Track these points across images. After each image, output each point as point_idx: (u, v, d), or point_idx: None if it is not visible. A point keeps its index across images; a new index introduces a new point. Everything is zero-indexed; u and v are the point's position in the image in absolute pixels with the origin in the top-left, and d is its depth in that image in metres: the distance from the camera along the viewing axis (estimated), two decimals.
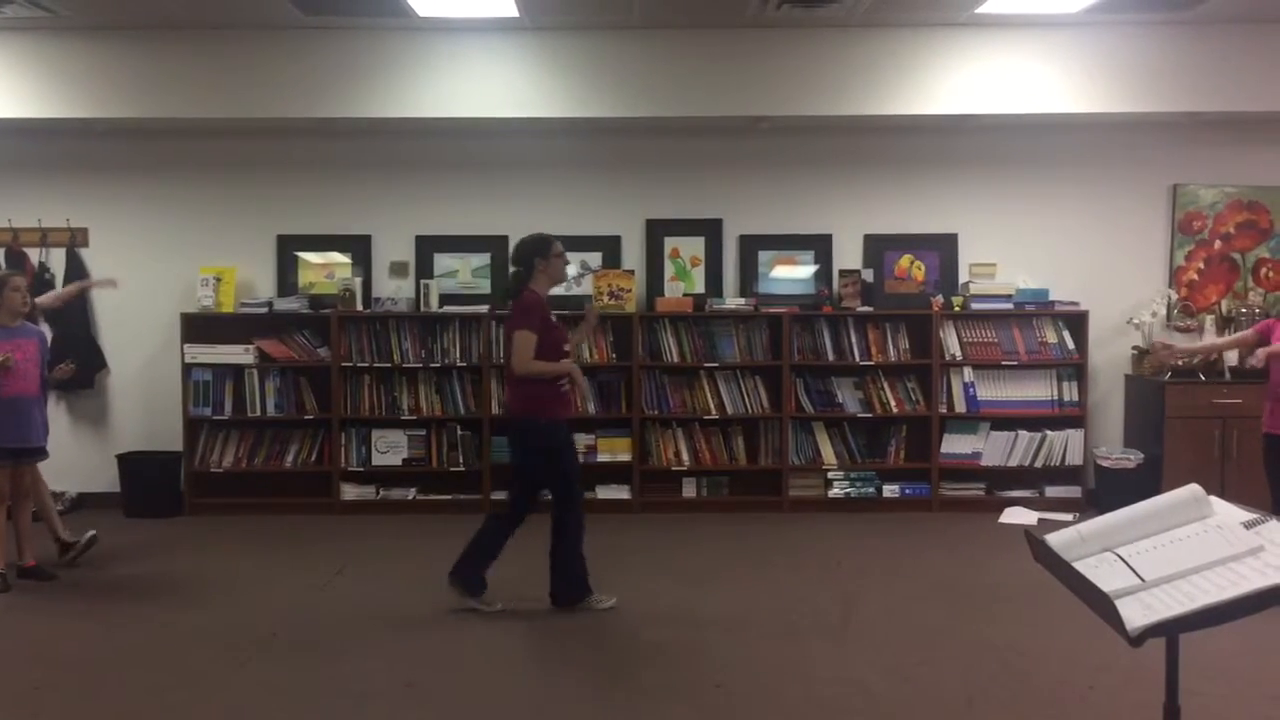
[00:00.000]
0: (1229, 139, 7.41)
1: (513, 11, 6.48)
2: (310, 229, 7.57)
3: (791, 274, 7.58)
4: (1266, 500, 5.16)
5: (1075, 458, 7.27)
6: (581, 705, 3.98)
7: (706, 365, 7.33)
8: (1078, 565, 2.37)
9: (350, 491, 7.32)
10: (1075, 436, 7.27)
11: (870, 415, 7.34)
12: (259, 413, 7.34)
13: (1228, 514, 2.41)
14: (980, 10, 6.53)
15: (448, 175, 7.58)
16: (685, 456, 7.37)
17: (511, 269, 5.28)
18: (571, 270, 7.53)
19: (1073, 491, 7.28)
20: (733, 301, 7.38)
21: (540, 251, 5.14)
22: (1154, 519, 2.46)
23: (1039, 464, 7.29)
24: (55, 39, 6.79)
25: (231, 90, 6.87)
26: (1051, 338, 7.32)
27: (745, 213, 7.57)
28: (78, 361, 7.15)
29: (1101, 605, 2.18)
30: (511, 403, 5.22)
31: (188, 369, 7.26)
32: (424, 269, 7.56)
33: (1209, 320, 7.37)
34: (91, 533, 6.08)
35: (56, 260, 7.50)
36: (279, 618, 5.03)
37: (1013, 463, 7.31)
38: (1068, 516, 6.88)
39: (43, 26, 6.71)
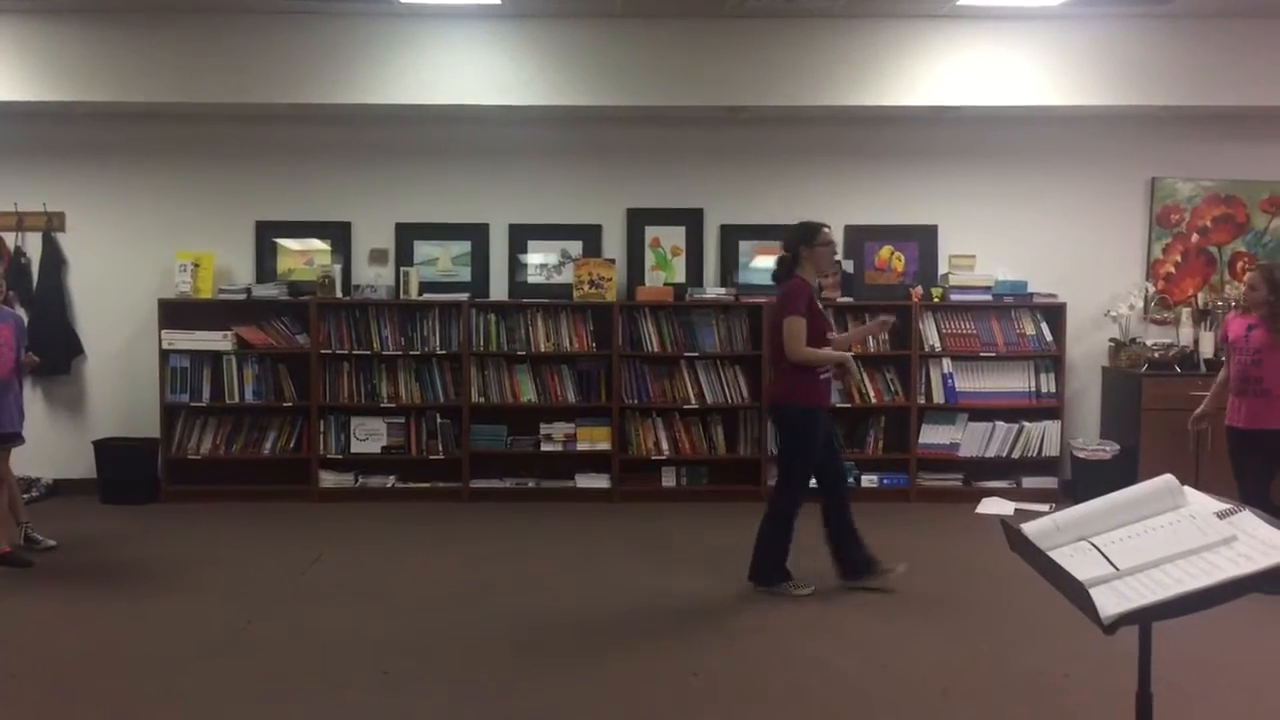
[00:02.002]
0: (1207, 133, 7.46)
1: None
2: (289, 215, 7.53)
3: (772, 264, 7.55)
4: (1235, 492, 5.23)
5: (1052, 449, 7.31)
6: (558, 692, 3.98)
7: (686, 355, 7.34)
8: (1053, 554, 2.38)
9: (329, 479, 7.29)
10: (1052, 428, 7.31)
11: (849, 406, 7.36)
12: (237, 400, 7.30)
13: (1201, 504, 2.43)
14: (961, 2, 6.55)
15: (428, 162, 7.55)
16: (665, 446, 7.37)
17: (779, 255, 5.28)
18: (551, 260, 7.55)
19: (1049, 482, 7.33)
20: (713, 291, 7.39)
21: (806, 239, 5.13)
22: (1129, 509, 2.47)
23: (1016, 455, 7.33)
24: (34, 21, 6.72)
25: (212, 75, 6.81)
26: (1030, 330, 7.36)
27: (726, 203, 7.58)
28: (54, 347, 7.15)
29: (1076, 594, 2.19)
30: (774, 388, 5.24)
31: (165, 355, 7.22)
32: (404, 256, 7.53)
33: (1185, 313, 7.42)
34: (52, 543, 5.99)
35: (33, 244, 7.43)
36: (255, 605, 5.01)
37: (990, 453, 7.35)
38: (1044, 507, 6.91)
39: (22, 9, 6.64)
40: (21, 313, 6.83)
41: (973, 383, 7.38)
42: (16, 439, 5.78)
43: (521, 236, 7.56)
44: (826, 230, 5.21)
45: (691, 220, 7.58)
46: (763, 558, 5.17)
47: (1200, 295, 7.51)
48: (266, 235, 7.54)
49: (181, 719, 3.78)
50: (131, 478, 7.22)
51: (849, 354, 5.22)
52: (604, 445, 7.31)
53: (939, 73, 6.89)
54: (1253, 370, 5.28)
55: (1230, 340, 5.49)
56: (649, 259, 7.59)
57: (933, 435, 7.38)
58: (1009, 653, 4.39)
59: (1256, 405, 5.27)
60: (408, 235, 7.56)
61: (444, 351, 7.31)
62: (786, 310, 5.03)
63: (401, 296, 7.33)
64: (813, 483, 5.20)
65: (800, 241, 5.14)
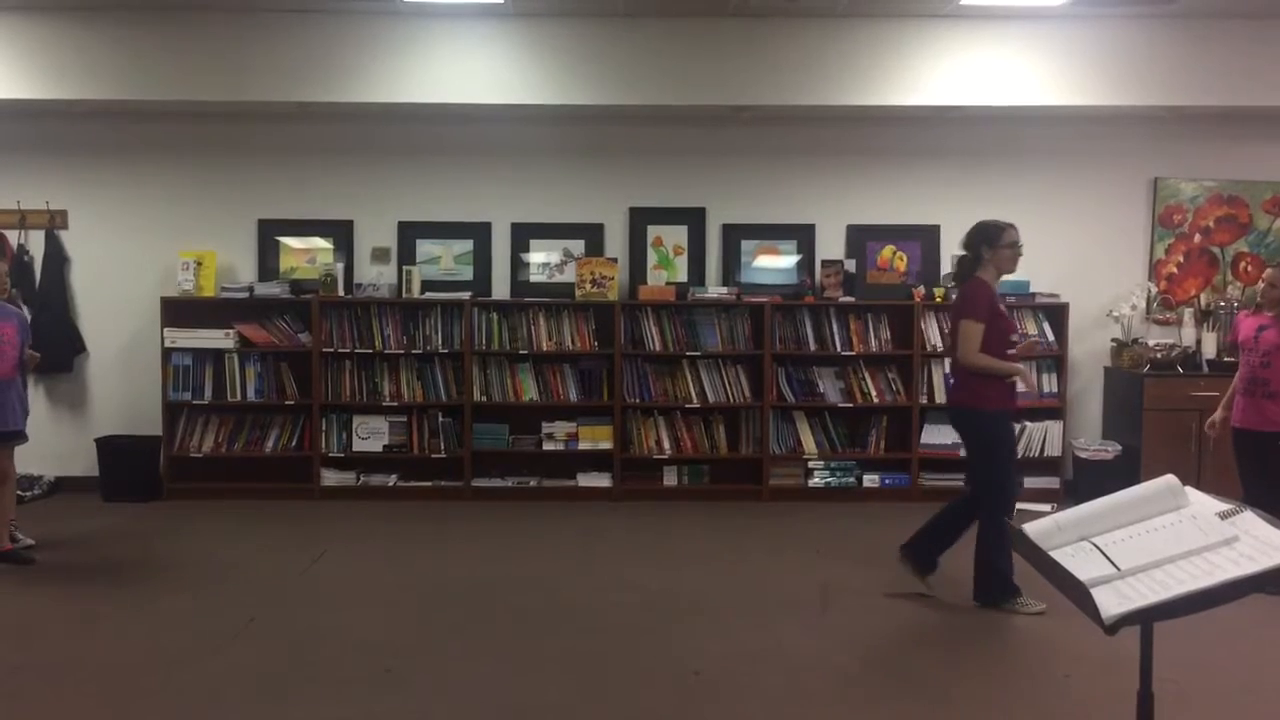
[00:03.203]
0: (1210, 133, 7.45)
1: None
2: (292, 214, 7.53)
3: (774, 264, 7.59)
4: (1240, 492, 5.22)
5: (1054, 449, 7.31)
6: (559, 691, 3.98)
7: (688, 354, 7.34)
8: (1055, 554, 2.38)
9: (330, 477, 7.29)
10: (1054, 428, 7.31)
11: (851, 405, 7.36)
12: (239, 397, 7.31)
13: (1203, 505, 2.43)
14: (964, 2, 6.54)
15: (431, 161, 7.55)
16: (666, 445, 7.37)
17: (960, 254, 5.16)
18: (553, 259, 7.55)
19: (1051, 482, 7.31)
20: (715, 290, 7.38)
21: (988, 240, 4.98)
22: (1130, 509, 2.47)
23: (1018, 455, 7.30)
24: (35, 19, 6.72)
25: (214, 73, 6.82)
26: (1032, 329, 7.35)
27: (728, 202, 7.58)
28: (56, 344, 7.15)
29: (1078, 594, 2.20)
30: (955, 392, 5.13)
31: (167, 353, 7.22)
32: (406, 255, 7.54)
33: (1188, 314, 7.42)
34: (31, 542, 5.94)
35: (36, 242, 7.44)
36: (257, 603, 5.01)
37: None
38: (1046, 507, 6.91)
39: (24, 6, 6.65)
40: (25, 310, 6.83)
41: None
42: (20, 436, 5.78)
43: (524, 235, 7.56)
44: (1011, 230, 5.03)
45: (694, 219, 7.58)
46: (986, 576, 4.93)
47: (1203, 296, 7.51)
48: (269, 233, 7.54)
49: (183, 716, 3.78)
50: (133, 475, 7.23)
51: (1024, 367, 5.00)
52: (606, 444, 7.30)
53: (942, 72, 6.88)
54: (1261, 372, 5.26)
55: (1240, 340, 5.46)
56: (651, 258, 7.59)
57: (935, 435, 7.36)
58: (1010, 653, 4.39)
59: (1264, 407, 5.26)
60: (410, 234, 7.56)
61: (446, 350, 7.31)
62: (964, 313, 4.89)
63: (404, 295, 7.33)
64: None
65: (982, 241, 4.99)
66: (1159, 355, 7.06)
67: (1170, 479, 2.51)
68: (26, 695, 3.93)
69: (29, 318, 6.57)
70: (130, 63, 6.80)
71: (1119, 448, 7.08)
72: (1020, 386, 4.99)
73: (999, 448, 4.94)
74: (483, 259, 7.55)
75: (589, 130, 7.49)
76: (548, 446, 7.31)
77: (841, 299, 7.33)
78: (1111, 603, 2.18)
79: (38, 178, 7.42)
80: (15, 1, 6.57)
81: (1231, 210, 7.53)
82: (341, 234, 7.54)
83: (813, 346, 7.34)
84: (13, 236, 7.43)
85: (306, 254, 7.56)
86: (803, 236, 7.58)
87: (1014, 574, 4.82)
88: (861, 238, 7.57)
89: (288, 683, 4.05)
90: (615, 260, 7.40)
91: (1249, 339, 5.36)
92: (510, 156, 7.54)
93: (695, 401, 7.34)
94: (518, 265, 7.57)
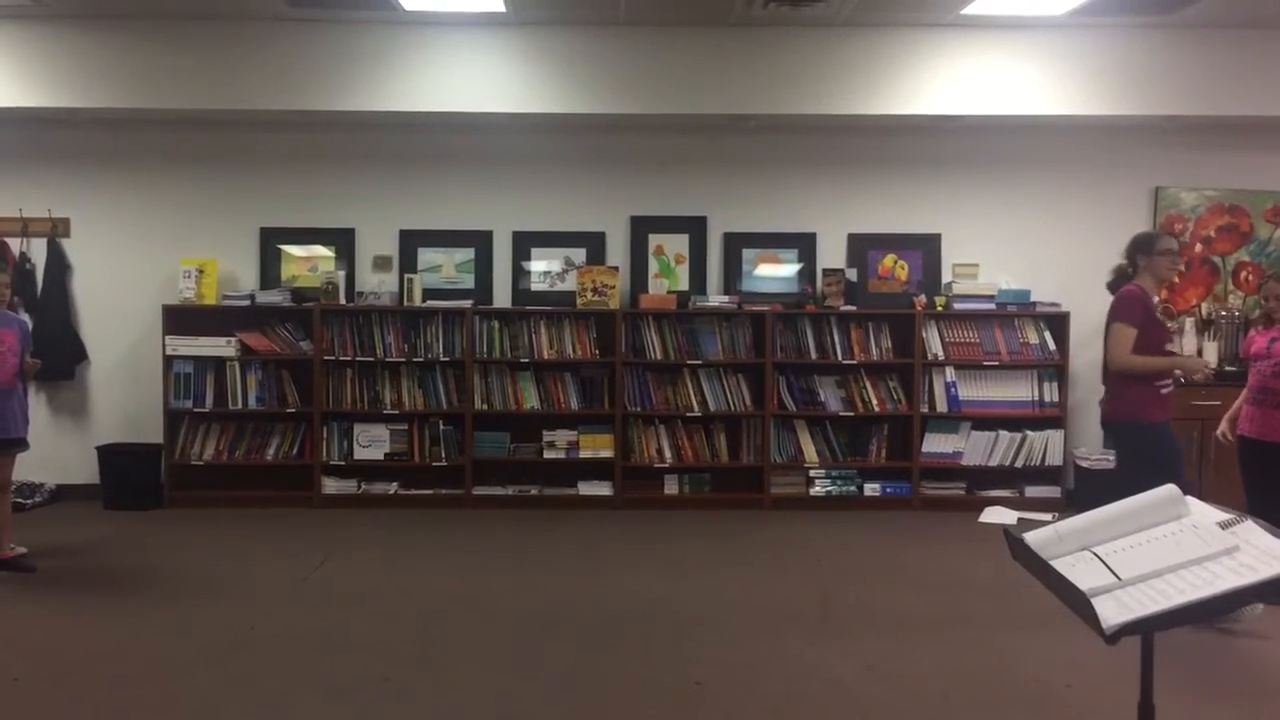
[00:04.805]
0: (1211, 143, 7.46)
1: (499, 6, 6.47)
2: (293, 222, 7.54)
3: (775, 272, 7.60)
4: (1242, 501, 5.21)
5: (1055, 458, 7.30)
6: (560, 700, 3.98)
7: (690, 362, 7.34)
8: (1055, 563, 2.38)
9: (331, 485, 7.30)
10: (1055, 437, 7.31)
11: (852, 414, 7.36)
12: (240, 405, 7.31)
13: (1204, 514, 2.43)
14: (966, 11, 6.55)
15: (432, 169, 7.56)
16: (667, 453, 7.37)
17: (1118, 264, 5.18)
18: (555, 267, 7.56)
19: (1052, 491, 7.32)
20: (716, 299, 7.39)
21: (1145, 248, 4.99)
22: (1131, 518, 2.47)
23: (1019, 464, 7.33)
24: (37, 28, 6.75)
25: (216, 82, 6.83)
26: (1033, 338, 7.36)
27: (730, 211, 7.58)
28: (58, 352, 7.16)
29: (1078, 603, 2.20)
30: (1111, 404, 5.07)
31: (169, 361, 7.23)
32: (408, 263, 7.54)
33: (1189, 323, 7.42)
34: (23, 550, 5.90)
35: (38, 250, 7.45)
36: (258, 611, 5.01)
37: (993, 462, 7.34)
38: (1047, 516, 6.91)
39: (26, 15, 6.67)
40: (26, 318, 6.84)
41: (976, 391, 7.37)
42: (21, 444, 5.78)
43: (525, 244, 7.57)
44: (1167, 238, 5.01)
45: (695, 228, 7.59)
46: None
47: (1204, 305, 7.51)
48: (271, 242, 7.56)
49: None
50: (135, 483, 7.23)
51: (1190, 357, 4.93)
52: (607, 452, 7.31)
53: (943, 82, 6.90)
54: (1273, 382, 5.23)
55: (1252, 354, 5.43)
56: (652, 266, 7.60)
57: (936, 444, 7.37)
58: (1010, 662, 4.38)
59: (1273, 418, 5.22)
60: (411, 242, 7.57)
61: (447, 358, 7.32)
62: (1117, 316, 4.89)
63: (405, 303, 7.33)
64: None
65: (1139, 250, 5.00)
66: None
67: (1171, 488, 2.51)
68: (26, 704, 3.93)
69: (30, 325, 6.58)
70: (133, 71, 6.82)
71: None
72: (1169, 389, 4.92)
73: (1167, 461, 4.80)
74: (484, 267, 7.56)
75: (590, 139, 7.50)
76: (549, 455, 7.32)
77: (843, 308, 7.33)
78: (1112, 612, 2.17)
79: (40, 186, 7.43)
80: (18, 10, 6.58)
81: (1232, 220, 7.54)
82: (343, 242, 7.56)
83: (814, 355, 7.34)
84: (15, 244, 7.43)
85: (308, 262, 7.57)
86: (804, 245, 7.59)
87: None
88: (863, 247, 7.58)
89: (288, 691, 4.05)
90: (616, 269, 7.41)
91: (1261, 350, 5.32)
92: (512, 165, 7.55)
93: (696, 410, 7.34)
94: (519, 273, 7.57)
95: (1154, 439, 4.89)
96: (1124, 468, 5.04)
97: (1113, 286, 5.16)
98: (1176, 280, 4.94)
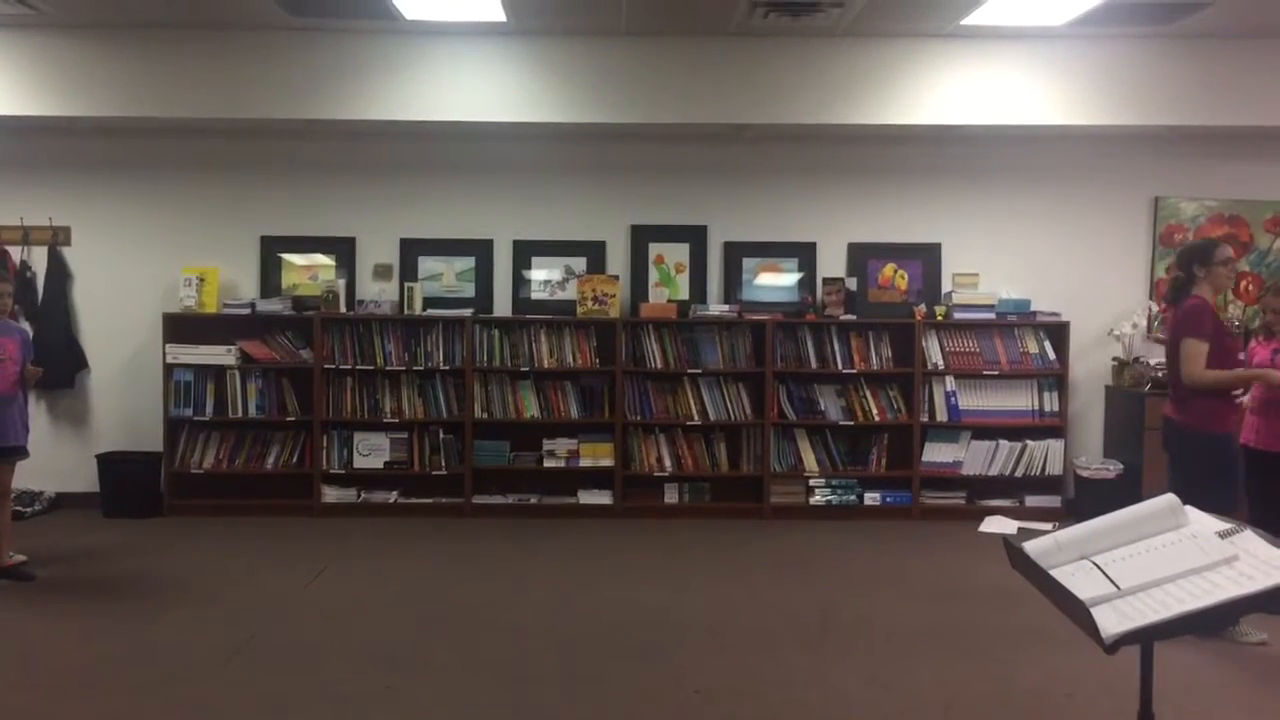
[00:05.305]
0: (1211, 153, 7.47)
1: (500, 15, 6.48)
2: (294, 230, 7.55)
3: (775, 281, 7.60)
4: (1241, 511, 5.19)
5: (1055, 467, 7.30)
6: (560, 709, 3.97)
7: (690, 371, 7.34)
8: (1055, 573, 2.38)
9: (331, 494, 7.29)
10: (1055, 446, 7.30)
11: (852, 423, 7.36)
12: (240, 414, 7.31)
13: (1203, 524, 2.44)
14: (966, 22, 6.56)
15: (433, 178, 7.57)
16: (667, 462, 7.37)
17: (1173, 275, 5.10)
18: (555, 276, 7.57)
19: (1052, 501, 7.31)
20: (716, 308, 7.39)
21: (1200, 258, 4.91)
22: (1131, 528, 2.48)
23: (1019, 473, 7.32)
24: (39, 36, 6.76)
25: (216, 90, 6.84)
26: (1033, 348, 7.36)
27: (730, 220, 7.59)
28: (58, 360, 7.17)
29: (1078, 612, 2.20)
30: (1177, 414, 5.00)
31: (169, 369, 7.23)
32: (408, 272, 7.55)
33: None
34: (23, 558, 5.92)
35: (39, 258, 7.46)
36: (258, 620, 5.01)
37: (993, 472, 7.34)
38: (1047, 526, 6.91)
39: (27, 24, 6.68)
40: (26, 326, 6.84)
41: (976, 401, 7.37)
42: (21, 452, 5.79)
43: (525, 252, 7.58)
44: (1224, 247, 4.95)
45: (695, 237, 7.60)
46: None
47: None
48: (271, 250, 7.56)
49: None
50: (134, 491, 7.22)
51: (1266, 370, 4.85)
52: (607, 461, 7.30)
53: (943, 92, 6.91)
54: (1277, 393, 5.21)
55: (1254, 365, 5.39)
56: (652, 275, 7.60)
57: (936, 453, 7.37)
58: (1011, 672, 4.37)
59: (1276, 427, 5.20)
60: (412, 251, 7.58)
61: (447, 367, 7.32)
62: (1187, 331, 4.80)
63: (405, 312, 7.34)
64: None
65: (1195, 260, 4.92)
66: (1160, 374, 7.05)
67: (1171, 498, 2.51)
68: (25, 713, 3.92)
69: (31, 333, 6.59)
70: (134, 80, 6.83)
71: (1120, 466, 7.07)
72: (1242, 398, 4.86)
73: (1220, 474, 4.79)
74: (484, 276, 7.56)
75: (591, 148, 7.52)
76: (549, 463, 7.31)
77: (843, 317, 7.34)
78: (1111, 622, 2.18)
79: (41, 194, 7.45)
80: (20, 19, 6.59)
81: (1232, 229, 7.54)
82: (343, 251, 7.56)
83: (814, 364, 7.34)
84: (16, 252, 7.44)
85: (309, 270, 7.57)
86: (804, 254, 7.59)
87: None
88: (863, 256, 7.59)
89: (288, 700, 4.05)
90: (617, 277, 7.41)
91: (1265, 362, 5.31)
92: (512, 174, 7.56)
93: (696, 419, 7.34)
94: (519, 282, 7.58)
95: (1219, 450, 4.84)
96: (1183, 474, 4.95)
97: (1170, 299, 5.10)
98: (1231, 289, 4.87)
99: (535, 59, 6.89)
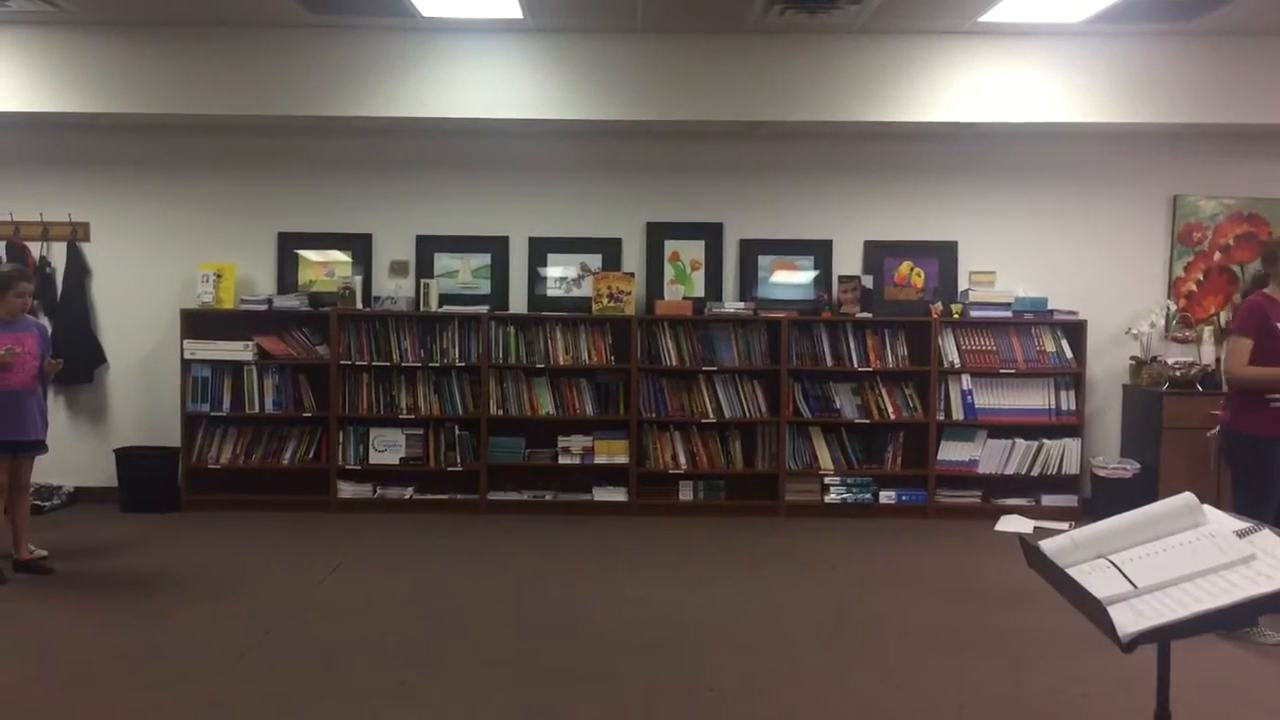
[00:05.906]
0: (1230, 150, 7.43)
1: (516, 13, 6.49)
2: (311, 227, 7.58)
3: (791, 279, 7.59)
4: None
5: (1072, 466, 7.28)
6: (574, 707, 3.98)
7: (705, 369, 7.34)
8: (1071, 571, 2.37)
9: (347, 490, 7.32)
10: (1072, 445, 7.28)
11: (868, 421, 7.35)
12: (257, 410, 7.33)
13: (1221, 522, 2.42)
14: (983, 19, 6.54)
15: (449, 175, 7.59)
16: (682, 460, 7.37)
17: (1254, 273, 5.11)
18: (571, 273, 7.57)
19: (1069, 500, 7.29)
20: (732, 306, 7.39)
21: (1271, 256, 4.86)
22: (1148, 526, 2.46)
23: (1035, 472, 7.30)
24: (59, 33, 6.80)
25: (234, 87, 6.87)
26: (1050, 346, 7.33)
27: (746, 217, 7.58)
28: (77, 355, 7.21)
29: (1094, 611, 2.19)
30: (1222, 410, 5.04)
31: (187, 365, 7.26)
32: (424, 268, 7.57)
33: (1207, 331, 7.40)
34: (43, 552, 5.92)
35: (58, 254, 7.50)
36: (273, 615, 5.03)
37: (1009, 471, 7.32)
38: (1063, 525, 6.87)
39: (48, 21, 6.72)
40: (45, 322, 6.88)
41: (992, 399, 7.35)
42: (40, 447, 5.82)
43: (541, 250, 7.59)
44: None
45: (711, 234, 7.59)
46: None
47: (1222, 314, 7.46)
48: (288, 246, 7.59)
49: None
50: (152, 487, 7.26)
51: None
52: (622, 459, 7.31)
53: (960, 89, 6.88)
54: None
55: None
56: (668, 273, 7.60)
57: (952, 452, 7.35)
58: (1026, 671, 4.36)
59: None
60: (428, 247, 7.59)
61: (463, 363, 7.33)
62: (1234, 327, 4.83)
63: (421, 308, 7.36)
64: None
65: (1267, 259, 4.89)
66: (1178, 373, 7.03)
67: (1188, 496, 2.50)
68: (44, 706, 3.95)
69: (50, 329, 6.63)
70: (151, 77, 6.86)
71: (1137, 466, 7.04)
72: None
73: (1257, 477, 4.76)
74: (500, 273, 7.57)
75: (607, 145, 7.52)
76: (564, 460, 7.32)
77: (859, 315, 7.32)
78: (1128, 620, 2.17)
79: (60, 190, 7.49)
80: (41, 16, 6.63)
81: (1251, 228, 7.50)
82: (360, 247, 7.59)
83: (829, 362, 7.33)
84: (35, 248, 7.49)
85: (325, 267, 7.60)
86: (820, 252, 7.58)
87: None
88: (879, 254, 7.57)
89: (304, 696, 4.06)
90: (632, 275, 7.41)
91: None
92: (528, 171, 7.57)
93: (711, 416, 7.33)
94: (535, 279, 7.59)
95: (1256, 453, 4.77)
96: (1234, 478, 4.94)
97: (1245, 294, 5.07)
98: None
99: (551, 56, 6.89)
